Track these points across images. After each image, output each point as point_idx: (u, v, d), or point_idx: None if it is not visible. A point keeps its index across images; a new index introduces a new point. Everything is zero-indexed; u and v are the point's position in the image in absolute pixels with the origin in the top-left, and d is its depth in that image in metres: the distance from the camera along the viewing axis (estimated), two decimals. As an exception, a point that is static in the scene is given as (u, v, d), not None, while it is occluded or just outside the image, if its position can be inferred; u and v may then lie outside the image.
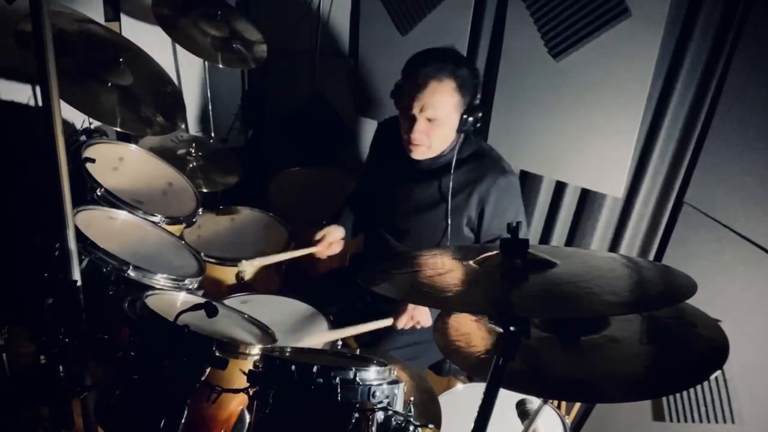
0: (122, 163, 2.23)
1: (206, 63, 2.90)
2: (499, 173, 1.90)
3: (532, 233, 2.54)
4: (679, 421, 2.11)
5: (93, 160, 2.00)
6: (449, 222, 1.92)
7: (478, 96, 1.87)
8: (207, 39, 2.67)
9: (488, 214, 1.92)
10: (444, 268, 1.20)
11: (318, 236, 2.11)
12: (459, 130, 1.86)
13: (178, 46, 2.98)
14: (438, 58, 1.81)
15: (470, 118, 1.83)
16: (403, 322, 1.88)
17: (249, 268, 2.11)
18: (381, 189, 2.11)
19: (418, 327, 1.91)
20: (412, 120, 1.82)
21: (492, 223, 1.93)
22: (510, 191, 1.92)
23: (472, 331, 1.27)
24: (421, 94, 1.79)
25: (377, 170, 2.18)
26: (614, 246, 2.36)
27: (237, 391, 1.30)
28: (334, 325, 1.92)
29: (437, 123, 1.81)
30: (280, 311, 1.95)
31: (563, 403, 1.96)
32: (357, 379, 1.21)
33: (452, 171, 1.88)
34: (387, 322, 1.88)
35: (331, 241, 2.12)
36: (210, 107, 3.05)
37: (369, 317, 2.02)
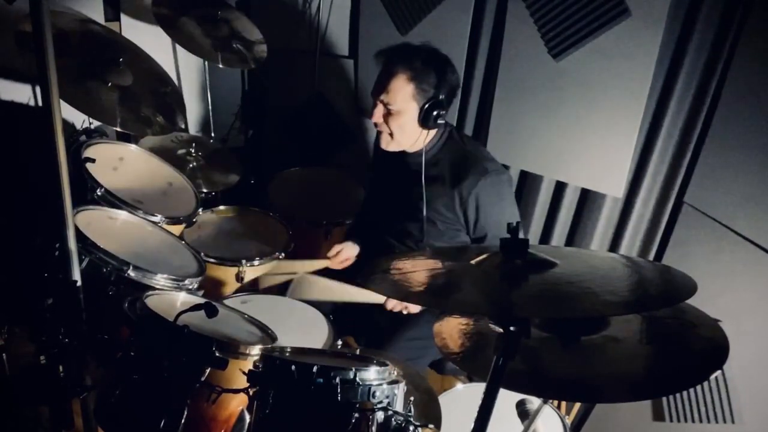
0: (122, 163, 2.23)
1: (206, 63, 2.90)
2: (481, 174, 1.92)
3: (532, 233, 2.54)
4: (679, 421, 2.11)
5: (93, 160, 2.00)
6: (425, 219, 1.96)
7: (443, 90, 1.89)
8: (207, 39, 2.67)
9: (472, 215, 1.96)
10: (444, 268, 1.20)
11: (333, 252, 2.17)
12: (423, 124, 1.90)
13: (178, 46, 2.98)
14: (399, 49, 1.93)
15: (433, 112, 1.87)
16: (392, 304, 1.94)
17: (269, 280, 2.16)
18: (377, 190, 2.19)
19: (405, 312, 1.96)
20: (374, 105, 1.94)
21: (478, 224, 1.97)
22: (492, 191, 1.94)
23: (471, 331, 1.27)
24: (378, 79, 1.92)
25: (376, 174, 2.23)
26: (614, 246, 2.36)
27: (237, 391, 1.30)
28: (334, 324, 1.93)
29: (393, 111, 1.89)
30: (280, 311, 1.95)
31: (563, 403, 1.96)
32: (357, 379, 1.21)
33: (423, 167, 1.94)
34: (379, 299, 1.92)
35: (347, 257, 2.17)
36: (210, 107, 3.05)
37: (368, 316, 2.03)
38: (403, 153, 2.01)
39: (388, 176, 2.13)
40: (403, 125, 1.91)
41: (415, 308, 1.96)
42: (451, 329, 1.30)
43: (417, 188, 1.96)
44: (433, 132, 1.96)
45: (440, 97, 1.89)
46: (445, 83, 1.89)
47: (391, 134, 1.94)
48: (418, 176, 1.95)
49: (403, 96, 1.87)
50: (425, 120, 1.89)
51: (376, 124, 1.95)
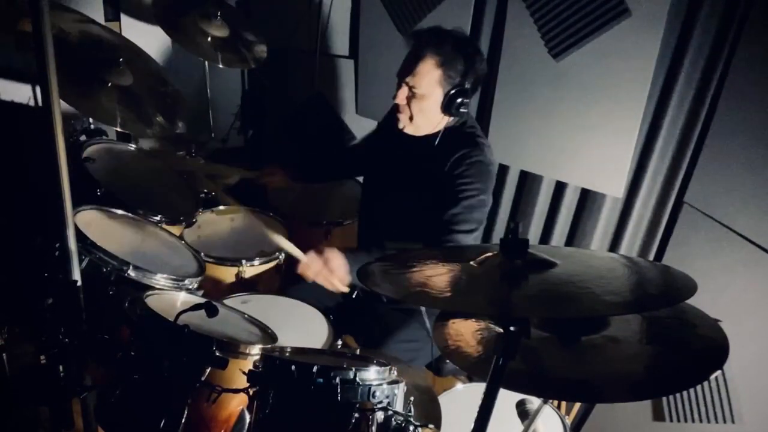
0: (122, 163, 2.23)
1: (206, 63, 2.91)
2: (471, 148, 1.90)
3: (531, 233, 2.54)
4: (679, 421, 2.11)
5: (93, 160, 2.00)
6: (412, 203, 1.95)
7: (469, 79, 1.88)
8: (207, 39, 2.67)
9: (447, 186, 1.90)
10: (444, 267, 1.20)
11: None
12: (445, 110, 1.89)
13: (178, 46, 2.99)
14: (430, 33, 1.90)
15: (458, 99, 1.87)
16: (313, 271, 1.80)
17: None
18: (372, 174, 2.16)
19: (328, 286, 1.81)
20: (399, 86, 1.92)
21: (446, 196, 1.90)
22: (472, 168, 1.89)
23: (472, 331, 1.27)
24: (406, 61, 1.90)
25: (372, 155, 2.19)
26: (614, 246, 2.35)
27: (237, 391, 1.30)
28: (334, 324, 1.93)
29: (418, 94, 1.88)
30: (280, 311, 1.95)
31: (563, 403, 1.96)
32: (357, 379, 1.21)
33: (435, 147, 1.91)
34: (302, 257, 1.85)
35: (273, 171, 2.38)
36: (210, 107, 3.05)
37: (367, 316, 2.03)
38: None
39: (388, 151, 2.09)
40: (424, 109, 1.90)
41: (337, 283, 1.79)
42: (451, 329, 1.30)
43: (415, 169, 1.95)
44: (454, 118, 1.94)
45: (466, 85, 1.88)
46: (472, 72, 1.88)
47: (411, 117, 1.92)
48: (422, 158, 1.94)
49: (429, 81, 1.86)
50: (448, 107, 1.88)
51: (398, 105, 1.93)
